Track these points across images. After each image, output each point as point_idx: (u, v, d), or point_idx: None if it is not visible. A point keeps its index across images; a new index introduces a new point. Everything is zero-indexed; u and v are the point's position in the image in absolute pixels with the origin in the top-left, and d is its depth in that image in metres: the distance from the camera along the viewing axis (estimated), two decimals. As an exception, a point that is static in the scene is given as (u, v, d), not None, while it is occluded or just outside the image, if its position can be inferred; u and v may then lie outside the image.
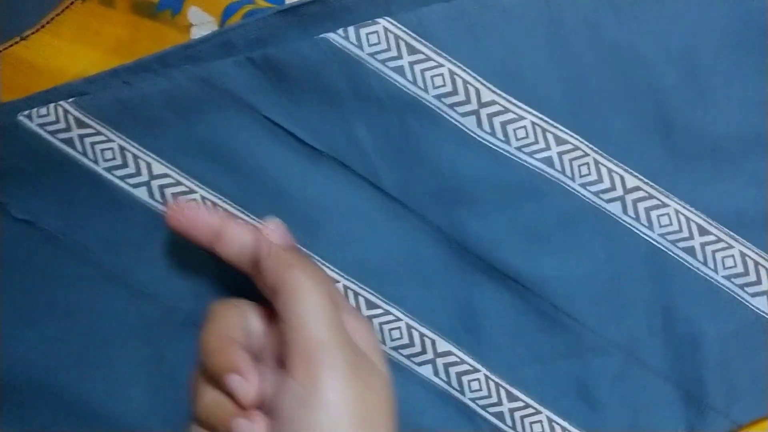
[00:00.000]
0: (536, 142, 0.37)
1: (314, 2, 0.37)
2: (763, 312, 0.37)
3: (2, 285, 0.38)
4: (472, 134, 0.37)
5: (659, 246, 0.37)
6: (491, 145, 0.37)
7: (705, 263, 0.37)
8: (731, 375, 0.37)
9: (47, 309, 0.38)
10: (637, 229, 0.37)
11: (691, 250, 0.37)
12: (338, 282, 0.37)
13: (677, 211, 0.37)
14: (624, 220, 0.37)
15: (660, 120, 0.37)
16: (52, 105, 0.36)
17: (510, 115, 0.37)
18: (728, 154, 0.37)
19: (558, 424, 0.37)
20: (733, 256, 0.37)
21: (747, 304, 0.37)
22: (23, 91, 0.38)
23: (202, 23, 0.38)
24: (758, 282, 0.37)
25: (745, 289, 0.37)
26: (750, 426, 0.37)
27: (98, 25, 0.38)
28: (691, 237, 0.37)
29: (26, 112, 0.37)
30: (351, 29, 0.36)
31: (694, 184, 0.37)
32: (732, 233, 0.37)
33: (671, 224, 0.37)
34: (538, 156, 0.37)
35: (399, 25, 0.36)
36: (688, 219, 0.37)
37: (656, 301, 0.37)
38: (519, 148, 0.37)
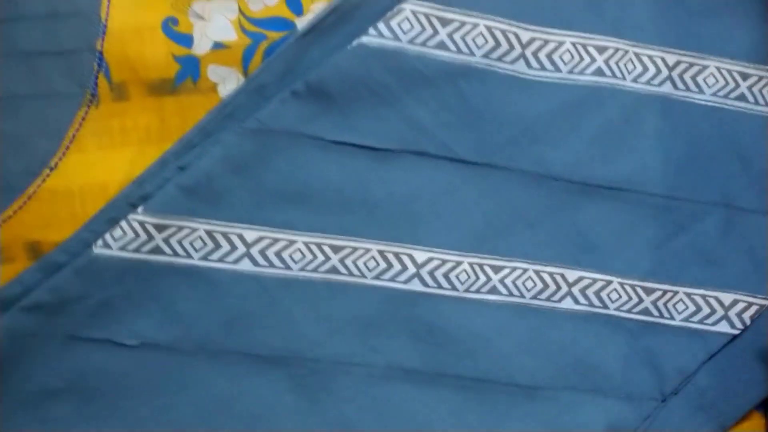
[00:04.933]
0: (582, 59, 0.38)
1: (327, 14, 0.36)
2: None
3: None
4: (525, 76, 0.37)
5: (715, 105, 0.39)
6: (545, 79, 0.37)
7: (756, 102, 0.40)
8: None
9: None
10: (692, 98, 0.39)
11: (742, 97, 0.40)
12: (461, 261, 0.38)
13: (718, 68, 0.39)
14: (678, 96, 0.39)
15: None
16: (124, 223, 0.34)
17: (552, 45, 0.37)
18: None
19: (696, 295, 0.39)
20: None
21: None
22: (71, 224, 0.35)
23: (226, 78, 0.36)
24: (810, 96, 0.40)
25: None
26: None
27: (121, 122, 0.36)
28: (737, 85, 0.40)
29: (100, 241, 0.34)
30: (381, 25, 0.35)
31: (719, 38, 0.39)
32: None
33: (717, 81, 0.39)
34: (588, 71, 0.38)
35: (423, 2, 0.36)
36: (729, 71, 0.39)
37: (730, 151, 0.40)
38: (570, 71, 0.38)
